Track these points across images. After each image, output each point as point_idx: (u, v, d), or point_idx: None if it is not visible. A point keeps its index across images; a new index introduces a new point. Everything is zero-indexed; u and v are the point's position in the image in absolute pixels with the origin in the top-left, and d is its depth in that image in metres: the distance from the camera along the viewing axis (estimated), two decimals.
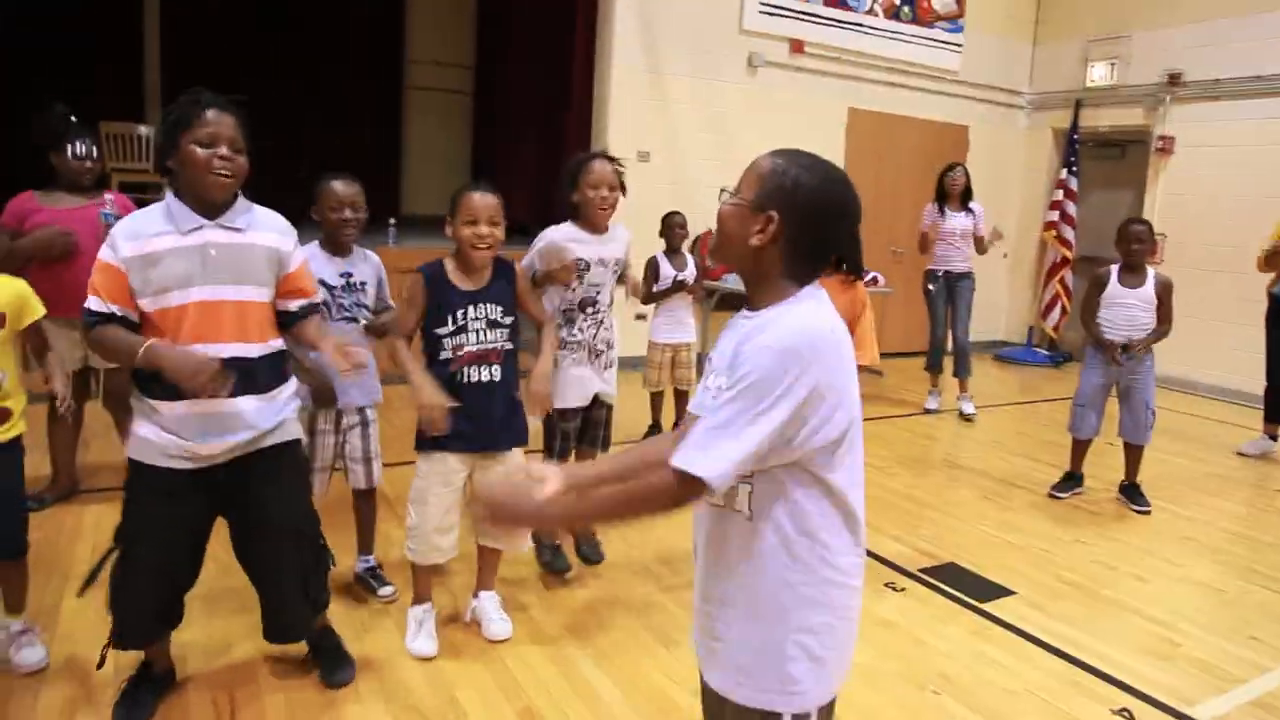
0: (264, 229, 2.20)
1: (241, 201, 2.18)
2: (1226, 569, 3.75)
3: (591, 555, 3.44)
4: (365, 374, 2.79)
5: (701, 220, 6.22)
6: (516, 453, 2.73)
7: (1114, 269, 4.35)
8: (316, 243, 2.86)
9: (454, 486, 2.68)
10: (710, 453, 1.26)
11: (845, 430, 1.32)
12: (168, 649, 2.41)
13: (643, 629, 2.96)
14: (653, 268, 5.00)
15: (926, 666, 2.82)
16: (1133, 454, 4.44)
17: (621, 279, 3.35)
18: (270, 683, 2.50)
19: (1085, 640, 3.03)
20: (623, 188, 3.10)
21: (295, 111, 8.17)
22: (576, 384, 3.17)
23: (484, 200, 2.56)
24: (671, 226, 5.04)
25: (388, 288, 3.05)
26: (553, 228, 3.11)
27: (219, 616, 2.79)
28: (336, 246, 2.90)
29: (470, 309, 2.62)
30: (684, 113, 7.08)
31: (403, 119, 9.81)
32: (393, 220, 6.51)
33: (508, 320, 2.69)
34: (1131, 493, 4.45)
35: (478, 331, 2.63)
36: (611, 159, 3.09)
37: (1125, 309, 4.28)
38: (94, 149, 3.60)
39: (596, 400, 3.27)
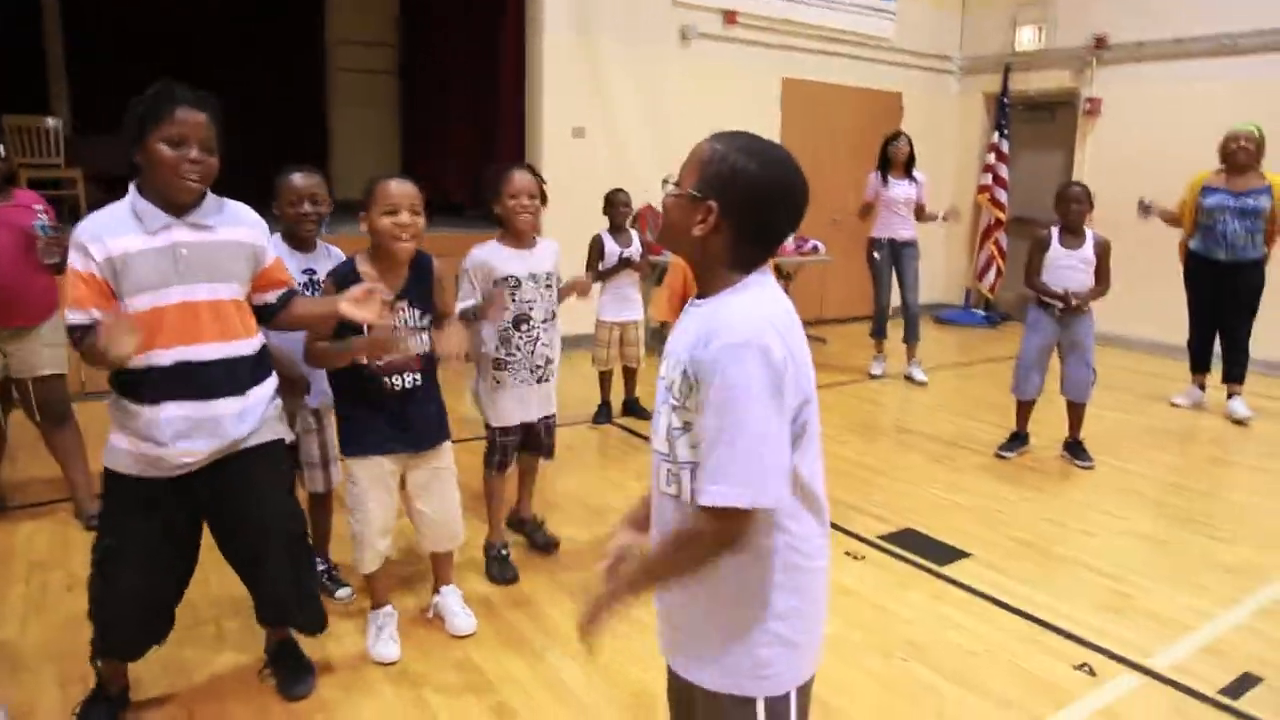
0: (236, 224, 2.13)
1: (211, 198, 2.09)
2: (1168, 520, 3.87)
3: (546, 544, 3.40)
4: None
5: (639, 196, 6.17)
6: (446, 446, 2.69)
7: (1054, 230, 4.42)
8: (278, 236, 2.73)
9: (390, 488, 2.60)
10: (724, 474, 1.23)
11: (808, 412, 1.33)
12: (125, 668, 2.31)
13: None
14: (597, 246, 4.94)
15: (892, 634, 2.85)
16: (1075, 411, 4.55)
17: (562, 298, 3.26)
18: (232, 698, 2.41)
19: (1042, 598, 3.10)
20: (543, 198, 3.04)
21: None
22: (517, 404, 3.12)
23: (402, 188, 2.43)
24: (615, 204, 4.99)
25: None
26: (478, 246, 3.04)
27: (174, 630, 2.68)
28: (298, 241, 2.79)
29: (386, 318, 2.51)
30: (618, 87, 6.98)
31: (326, 102, 9.52)
32: None
33: (426, 322, 2.58)
34: (1075, 449, 4.57)
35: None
36: (533, 170, 3.03)
37: (1068, 270, 4.36)
38: None
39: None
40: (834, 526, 3.52)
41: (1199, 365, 5.72)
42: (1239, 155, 5.20)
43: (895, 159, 6.16)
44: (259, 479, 2.21)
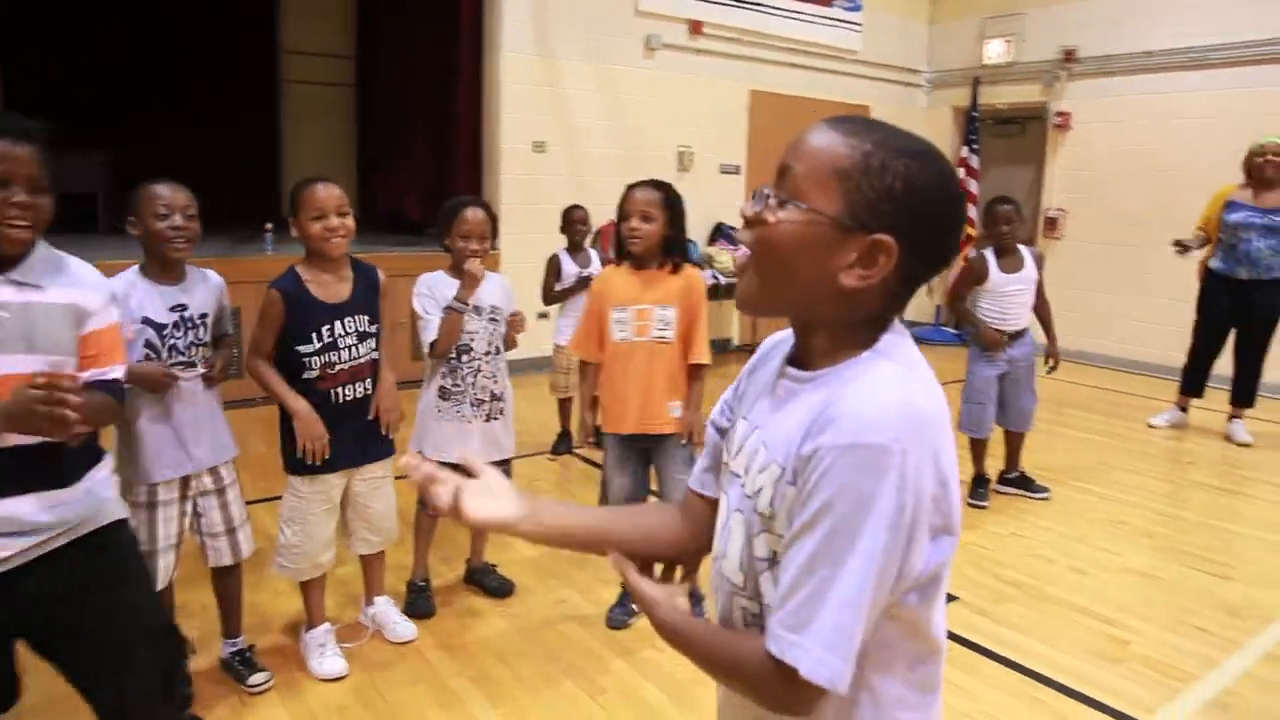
0: (70, 285, 1.69)
1: (44, 251, 1.68)
2: (1160, 554, 3.65)
3: (500, 588, 3.15)
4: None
5: (601, 213, 5.89)
6: (390, 458, 2.72)
7: (989, 255, 4.04)
8: (135, 269, 2.32)
9: (334, 503, 2.62)
10: (812, 632, 0.85)
11: (955, 539, 0.96)
12: None
13: (563, 676, 2.64)
14: (554, 266, 4.67)
15: None
16: (1017, 442, 4.26)
17: (508, 339, 3.04)
18: None
19: (1036, 647, 2.85)
20: (494, 234, 2.97)
21: (153, 111, 7.48)
22: (456, 437, 2.89)
23: (328, 191, 2.45)
24: (572, 221, 4.72)
25: (229, 313, 2.53)
26: (426, 274, 2.97)
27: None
28: (165, 266, 2.32)
29: (338, 324, 2.51)
30: (580, 99, 6.73)
31: (279, 115, 9.14)
32: (269, 225, 5.96)
33: (374, 329, 2.59)
34: (1026, 483, 4.28)
35: (349, 348, 2.53)
36: (485, 206, 2.95)
37: (1014, 297, 4.02)
38: None
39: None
40: None
41: (1192, 388, 5.43)
42: (1266, 169, 4.91)
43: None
44: (113, 569, 1.77)
